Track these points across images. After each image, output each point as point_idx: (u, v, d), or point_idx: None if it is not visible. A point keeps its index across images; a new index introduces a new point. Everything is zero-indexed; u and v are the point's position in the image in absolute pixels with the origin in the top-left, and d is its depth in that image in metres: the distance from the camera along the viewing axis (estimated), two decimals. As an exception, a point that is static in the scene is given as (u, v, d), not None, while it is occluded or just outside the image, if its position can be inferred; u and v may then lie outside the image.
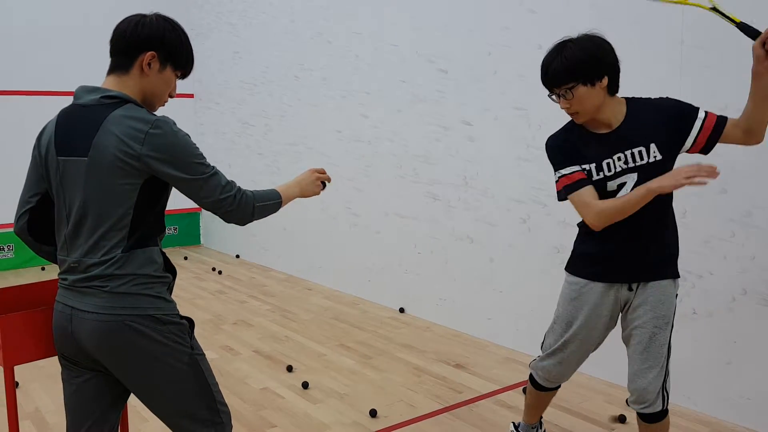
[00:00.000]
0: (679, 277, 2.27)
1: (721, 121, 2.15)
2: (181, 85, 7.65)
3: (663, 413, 2.25)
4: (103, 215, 1.67)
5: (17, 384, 3.63)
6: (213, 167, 1.75)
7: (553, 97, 2.17)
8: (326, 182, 2.10)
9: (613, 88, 2.16)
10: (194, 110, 7.90)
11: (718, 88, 2.96)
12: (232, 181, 1.78)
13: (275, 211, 1.90)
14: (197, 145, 1.74)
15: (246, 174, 6.97)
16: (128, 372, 1.74)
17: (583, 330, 2.35)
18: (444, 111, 4.46)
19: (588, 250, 2.31)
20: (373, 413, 3.18)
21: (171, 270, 1.82)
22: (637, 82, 3.28)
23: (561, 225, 3.69)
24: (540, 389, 2.57)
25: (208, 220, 7.99)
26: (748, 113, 2.09)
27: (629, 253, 2.22)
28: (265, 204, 1.84)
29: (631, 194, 2.09)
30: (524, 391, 3.41)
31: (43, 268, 6.76)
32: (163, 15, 1.80)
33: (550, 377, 2.49)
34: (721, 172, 2.97)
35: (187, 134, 1.72)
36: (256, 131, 6.74)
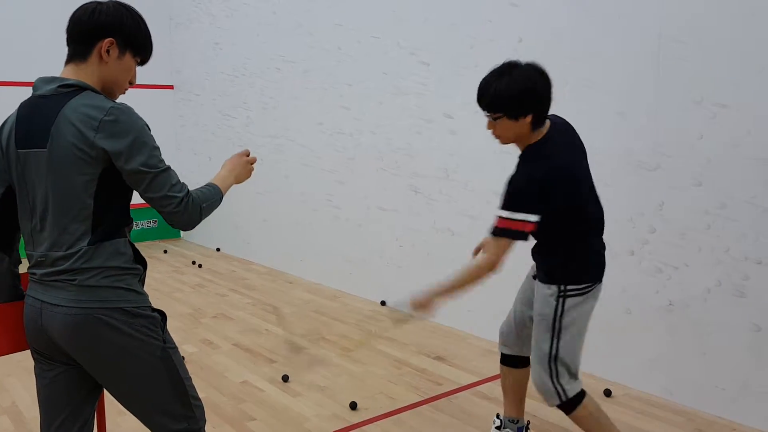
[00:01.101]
0: (554, 284, 2.33)
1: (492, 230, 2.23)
2: (160, 77, 7.58)
3: (567, 405, 2.33)
4: (65, 207, 1.64)
5: (-8, 378, 3.58)
6: (167, 164, 1.69)
7: (485, 113, 2.25)
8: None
9: (537, 123, 2.22)
10: (173, 101, 7.81)
11: (695, 81, 2.99)
12: (183, 183, 1.72)
13: (218, 207, 1.85)
14: (155, 138, 1.68)
15: (227, 166, 6.92)
16: (99, 366, 1.72)
17: (519, 292, 2.70)
18: (426, 104, 4.46)
19: (589, 254, 2.41)
20: (353, 406, 3.19)
21: (141, 261, 1.78)
22: (615, 75, 3.30)
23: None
24: (501, 361, 2.73)
25: (189, 212, 7.93)
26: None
27: (535, 257, 2.48)
28: (210, 203, 1.79)
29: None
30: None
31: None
32: (120, 1, 1.76)
33: (499, 333, 2.74)
34: (697, 164, 3.01)
35: (146, 124, 1.67)
36: (237, 123, 6.69)
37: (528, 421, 2.75)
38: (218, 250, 7.29)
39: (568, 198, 2.23)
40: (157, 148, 1.68)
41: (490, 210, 4.05)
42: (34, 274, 1.72)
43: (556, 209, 2.21)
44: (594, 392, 3.31)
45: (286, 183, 6.02)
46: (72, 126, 1.60)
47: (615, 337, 3.40)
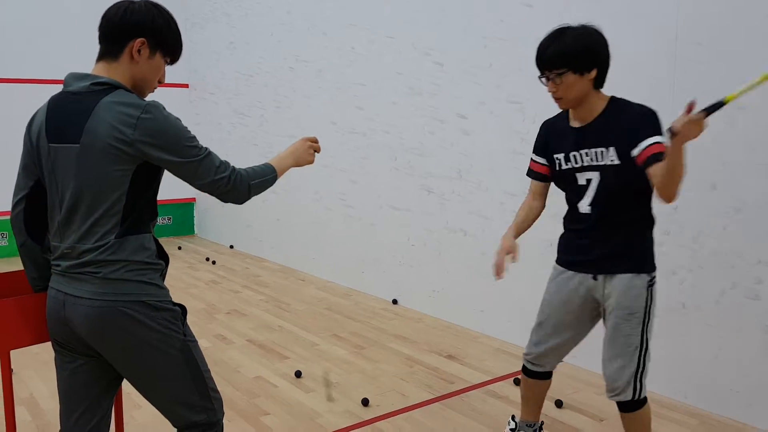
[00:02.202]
0: (647, 272, 2.28)
1: (655, 159, 2.08)
2: (176, 75, 7.64)
3: (635, 403, 2.30)
4: (96, 201, 1.67)
5: (12, 371, 3.64)
6: (206, 149, 1.75)
7: (543, 79, 2.24)
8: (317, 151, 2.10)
9: (599, 81, 2.23)
10: (189, 100, 7.88)
11: (712, 84, 2.99)
12: (226, 161, 1.78)
13: (272, 185, 1.91)
14: (189, 129, 1.74)
15: (241, 165, 6.94)
16: (121, 358, 1.75)
17: (555, 313, 2.44)
18: (439, 104, 4.47)
19: (563, 239, 2.46)
20: (365, 402, 3.21)
21: (164, 257, 1.83)
22: (632, 77, 3.30)
23: (554, 219, 3.70)
24: (526, 373, 2.61)
25: (203, 210, 8.00)
26: (660, 176, 2.03)
27: (592, 246, 2.31)
28: (261, 180, 1.86)
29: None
30: (516, 382, 3.45)
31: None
32: (152, 1, 1.80)
33: (531, 358, 2.55)
34: (711, 167, 3.00)
35: (178, 118, 1.72)
36: (252, 122, 6.74)
37: (542, 421, 2.76)
38: (231, 247, 7.34)
39: None
40: (194, 137, 1.73)
41: (503, 210, 4.06)
42: (58, 265, 1.75)
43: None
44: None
45: (299, 182, 6.06)
46: (107, 124, 1.63)
47: (627, 339, 3.40)
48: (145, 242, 1.74)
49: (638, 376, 2.28)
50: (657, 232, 3.25)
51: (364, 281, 5.35)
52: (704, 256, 3.07)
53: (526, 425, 2.69)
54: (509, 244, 2.38)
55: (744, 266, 2.94)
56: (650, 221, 2.33)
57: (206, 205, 7.87)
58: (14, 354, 3.84)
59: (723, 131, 2.96)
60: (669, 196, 2.04)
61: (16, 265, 6.36)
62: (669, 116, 3.15)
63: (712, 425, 2.97)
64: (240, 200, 1.82)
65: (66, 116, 1.70)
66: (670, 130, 1.86)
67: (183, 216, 8.06)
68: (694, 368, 3.15)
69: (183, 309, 1.86)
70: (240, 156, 6.94)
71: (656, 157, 2.08)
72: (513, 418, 2.75)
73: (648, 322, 2.28)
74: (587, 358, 3.61)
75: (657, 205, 3.23)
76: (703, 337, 3.11)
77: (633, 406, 2.30)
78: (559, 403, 3.17)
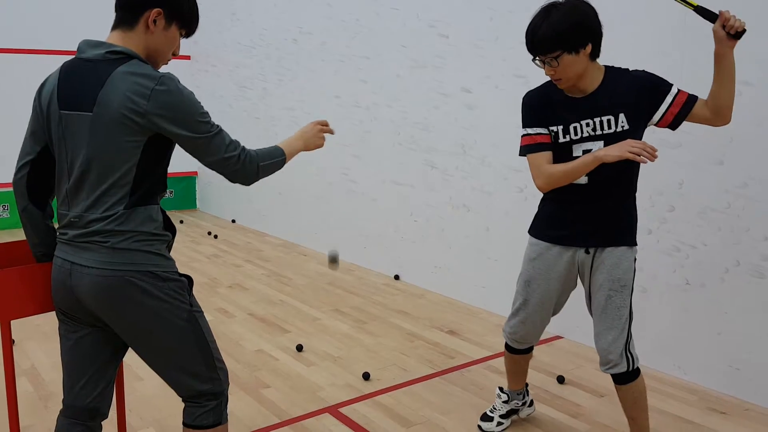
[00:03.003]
0: (636, 245, 2.33)
1: (691, 99, 2.20)
2: (178, 47, 7.57)
3: (631, 374, 2.31)
4: (107, 171, 1.66)
5: (13, 341, 3.65)
6: (218, 126, 1.73)
7: (537, 62, 2.20)
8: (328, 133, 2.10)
9: (595, 53, 2.19)
10: (191, 72, 7.81)
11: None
12: (236, 140, 1.77)
13: (280, 168, 1.90)
14: (202, 104, 1.72)
15: (242, 139, 6.92)
16: (127, 327, 1.75)
17: (541, 289, 2.43)
18: (443, 77, 4.42)
19: (549, 213, 2.40)
20: (366, 376, 3.22)
21: (170, 228, 1.82)
22: (640, 49, 3.25)
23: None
24: (511, 351, 2.63)
25: (205, 184, 7.97)
26: (715, 94, 2.16)
27: (586, 219, 2.29)
28: (270, 162, 1.84)
29: (578, 160, 2.18)
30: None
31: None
32: None
33: (517, 337, 2.55)
34: (719, 143, 2.97)
35: (192, 92, 1.71)
36: (254, 95, 6.68)
37: (526, 383, 2.77)
38: (233, 221, 7.33)
39: None
40: (207, 113, 1.71)
41: (507, 186, 4.03)
42: (65, 234, 1.74)
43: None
44: (606, 369, 3.32)
45: (301, 156, 6.00)
46: (122, 93, 1.61)
47: (629, 315, 3.40)
48: (153, 214, 1.73)
49: (628, 346, 2.30)
50: (662, 208, 3.23)
51: (366, 256, 5.34)
52: (709, 233, 3.05)
53: (516, 393, 2.73)
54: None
55: (750, 243, 2.91)
56: (634, 194, 2.36)
57: (208, 178, 7.85)
58: (16, 326, 3.85)
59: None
60: (730, 110, 2.17)
61: (17, 237, 6.37)
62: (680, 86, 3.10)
63: (712, 402, 2.97)
64: (248, 180, 1.81)
65: (79, 84, 1.67)
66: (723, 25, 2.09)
67: (185, 190, 8.04)
68: (695, 345, 3.15)
69: (189, 280, 1.85)
70: (242, 130, 6.90)
71: (692, 98, 2.20)
72: (501, 389, 2.75)
73: (632, 293, 2.33)
74: (584, 336, 3.60)
75: (664, 180, 3.21)
76: (706, 314, 3.09)
77: (628, 377, 2.31)
78: (560, 379, 3.18)
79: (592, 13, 2.15)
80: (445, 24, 4.35)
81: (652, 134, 3.22)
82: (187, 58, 7.77)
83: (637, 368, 2.32)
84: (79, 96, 1.66)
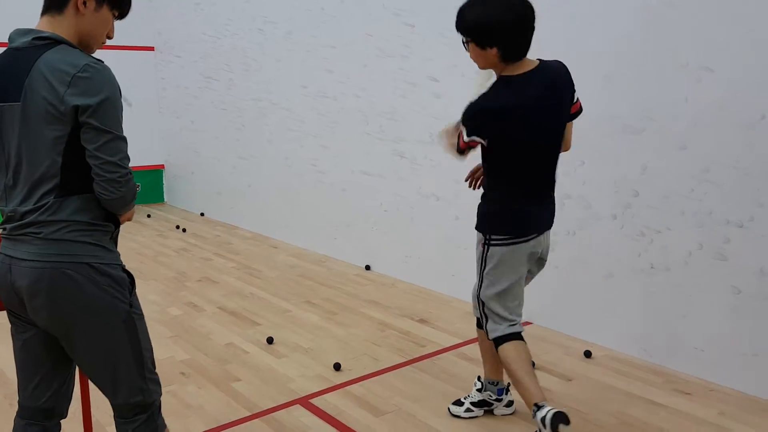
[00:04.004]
0: (480, 231, 2.51)
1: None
2: (141, 38, 7.41)
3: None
4: (35, 162, 1.61)
5: (-26, 341, 3.56)
6: (125, 135, 1.66)
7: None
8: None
9: (506, 58, 2.27)
10: (154, 64, 7.66)
11: (682, 45, 2.97)
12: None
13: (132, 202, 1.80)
14: (122, 104, 1.66)
15: (210, 130, 6.83)
16: (59, 325, 1.67)
17: (520, 277, 2.52)
18: (410, 66, 4.40)
19: (514, 211, 2.45)
20: (337, 367, 3.21)
21: (113, 219, 1.75)
22: (602, 37, 3.28)
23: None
24: (518, 338, 2.54)
25: (172, 177, 7.85)
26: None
27: (546, 205, 2.50)
28: (135, 193, 1.76)
29: None
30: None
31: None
32: None
33: (519, 321, 2.56)
34: (682, 128, 3.01)
35: (118, 87, 1.63)
36: (219, 86, 6.59)
37: (508, 383, 2.79)
38: (202, 215, 7.24)
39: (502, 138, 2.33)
40: (121, 117, 1.64)
41: (475, 174, 4.04)
42: (4, 229, 1.69)
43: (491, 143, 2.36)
44: (576, 352, 3.37)
45: (269, 147, 5.96)
46: (45, 80, 1.56)
47: (596, 300, 3.45)
48: (88, 203, 1.66)
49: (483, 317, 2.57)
50: (626, 194, 3.28)
51: (336, 247, 5.32)
52: (672, 217, 3.10)
53: (490, 383, 2.73)
54: None
55: (712, 226, 2.97)
56: (494, 186, 2.50)
57: (176, 171, 7.73)
58: (-23, 324, 3.75)
59: (693, 91, 2.96)
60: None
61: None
62: (638, 76, 3.14)
63: (677, 383, 3.03)
64: (125, 203, 1.70)
65: (9, 74, 1.62)
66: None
67: (152, 183, 7.90)
68: (660, 328, 3.21)
69: (131, 277, 1.78)
70: (209, 121, 6.80)
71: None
72: (479, 378, 2.77)
73: (481, 276, 2.53)
74: (551, 320, 3.65)
75: (628, 166, 3.25)
76: (670, 297, 3.15)
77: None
78: (588, 353, 3.29)
79: (515, 21, 2.21)
80: (410, 13, 4.34)
81: (616, 121, 3.26)
82: (151, 49, 7.61)
83: (492, 339, 2.50)
84: (9, 86, 1.61)
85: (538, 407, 2.28)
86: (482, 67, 2.35)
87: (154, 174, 7.90)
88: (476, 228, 2.52)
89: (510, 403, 2.77)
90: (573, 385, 3.03)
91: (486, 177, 2.49)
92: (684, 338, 3.12)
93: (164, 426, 1.84)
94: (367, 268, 4.98)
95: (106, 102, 1.59)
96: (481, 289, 2.51)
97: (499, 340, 2.47)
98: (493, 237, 2.44)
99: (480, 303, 2.53)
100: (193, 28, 6.89)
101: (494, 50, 2.24)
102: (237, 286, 4.62)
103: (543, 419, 2.23)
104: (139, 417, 1.78)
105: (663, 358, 3.21)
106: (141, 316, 1.78)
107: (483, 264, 2.49)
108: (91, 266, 1.65)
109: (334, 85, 5.09)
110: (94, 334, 1.69)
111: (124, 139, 1.66)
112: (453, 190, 4.20)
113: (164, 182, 8.01)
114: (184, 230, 6.43)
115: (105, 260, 1.68)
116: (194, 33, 6.87)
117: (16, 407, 2.79)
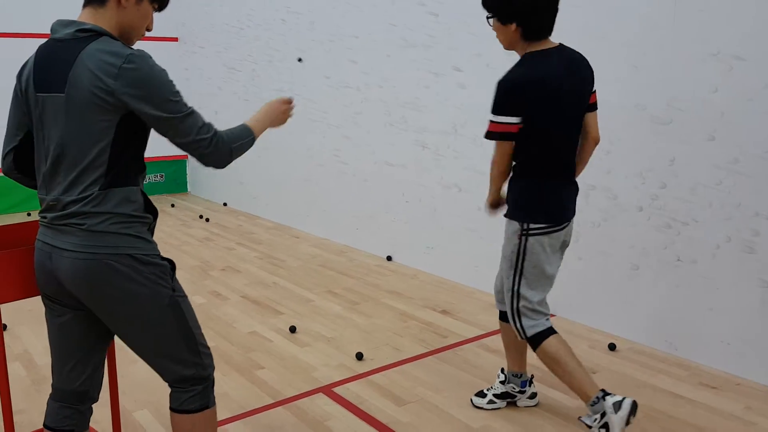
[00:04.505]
0: (515, 219, 2.43)
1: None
2: (165, 29, 7.46)
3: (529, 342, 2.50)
4: (81, 153, 1.63)
5: (5, 326, 3.64)
6: (190, 107, 1.69)
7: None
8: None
9: (528, 35, 2.28)
10: (179, 54, 7.71)
11: (711, 33, 2.92)
12: (209, 122, 1.72)
13: (250, 147, 1.85)
14: (175, 83, 1.68)
15: (232, 121, 6.87)
16: (108, 311, 1.73)
17: (556, 269, 2.52)
18: (434, 56, 4.38)
19: (552, 194, 2.42)
20: (359, 356, 3.22)
21: (151, 210, 1.78)
22: (629, 26, 3.23)
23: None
24: (554, 332, 2.52)
25: (195, 167, 7.92)
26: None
27: (574, 191, 2.49)
28: (241, 143, 1.79)
29: None
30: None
31: (28, 214, 6.70)
32: None
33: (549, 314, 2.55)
34: (710, 119, 2.96)
35: (164, 70, 1.66)
36: (243, 77, 6.62)
37: (532, 375, 2.78)
38: (225, 204, 7.30)
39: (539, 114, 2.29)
40: (179, 92, 1.67)
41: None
42: (45, 217, 1.72)
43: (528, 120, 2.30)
44: (601, 345, 3.34)
45: (292, 138, 5.98)
46: (90, 72, 1.58)
47: (622, 293, 3.41)
48: (130, 195, 1.70)
49: (516, 317, 2.51)
50: (653, 185, 3.24)
51: (358, 238, 5.33)
52: (700, 209, 3.06)
53: (513, 375, 2.72)
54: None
55: (741, 219, 2.92)
56: (526, 171, 2.46)
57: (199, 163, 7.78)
58: (8, 311, 3.83)
59: (722, 82, 2.90)
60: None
61: (4, 221, 6.32)
62: (667, 66, 3.09)
63: (703, 377, 3.00)
64: (221, 164, 1.75)
65: (52, 65, 1.64)
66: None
67: (175, 173, 7.98)
68: (686, 321, 3.17)
69: (172, 264, 1.82)
70: (231, 112, 6.84)
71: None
72: (502, 370, 2.76)
73: (515, 269, 2.47)
74: (576, 313, 3.62)
75: (655, 157, 3.21)
76: (697, 290, 3.11)
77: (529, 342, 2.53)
78: (612, 346, 3.29)
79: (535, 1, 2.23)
80: (435, 2, 4.31)
81: (643, 111, 3.21)
82: (175, 39, 7.67)
83: (532, 336, 2.44)
84: (51, 77, 1.64)
85: (606, 393, 2.31)
86: (506, 46, 2.35)
87: (178, 164, 7.98)
88: (508, 216, 2.43)
89: (533, 395, 2.76)
90: (597, 378, 3.01)
91: (518, 163, 2.41)
92: (710, 332, 3.08)
93: (215, 403, 1.90)
94: (389, 258, 4.99)
95: (158, 89, 1.62)
96: (520, 285, 2.42)
97: (542, 336, 2.42)
98: (532, 226, 2.37)
99: (516, 298, 2.44)
100: (216, 19, 6.92)
101: (514, 26, 2.26)
102: (260, 275, 4.66)
103: (618, 404, 2.26)
104: (195, 388, 1.84)
105: (689, 351, 3.17)
106: (184, 297, 1.83)
107: (521, 257, 2.39)
108: (133, 257, 1.69)
109: (358, 75, 5.08)
110: (143, 319, 1.74)
111: (191, 113, 1.67)
112: (475, 181, 4.19)
113: (188, 172, 8.09)
114: (207, 220, 6.49)
115: (145, 251, 1.72)
116: (218, 23, 6.91)
117: (44, 392, 2.86)
